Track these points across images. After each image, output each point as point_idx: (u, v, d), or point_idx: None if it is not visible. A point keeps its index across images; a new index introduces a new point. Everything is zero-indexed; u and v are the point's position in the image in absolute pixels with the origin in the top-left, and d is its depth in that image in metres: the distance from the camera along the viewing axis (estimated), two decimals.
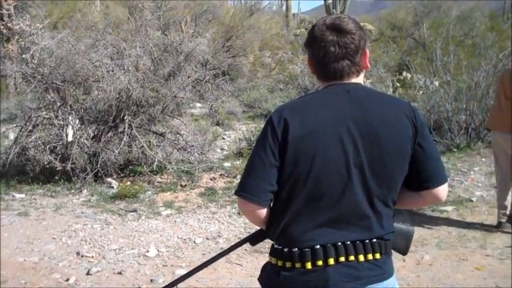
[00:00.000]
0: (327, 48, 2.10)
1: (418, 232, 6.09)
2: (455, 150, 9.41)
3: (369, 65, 2.21)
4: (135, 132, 8.28)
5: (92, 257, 5.66)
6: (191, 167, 8.43)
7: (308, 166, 2.01)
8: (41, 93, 8.72)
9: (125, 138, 8.19)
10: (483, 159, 8.96)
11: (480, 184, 7.86)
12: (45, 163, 8.16)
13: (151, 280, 5.12)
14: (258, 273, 2.25)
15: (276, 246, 2.15)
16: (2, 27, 16.96)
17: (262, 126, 2.14)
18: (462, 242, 5.90)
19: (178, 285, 2.57)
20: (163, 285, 4.90)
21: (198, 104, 14.82)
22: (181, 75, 9.04)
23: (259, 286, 2.23)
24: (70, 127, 8.24)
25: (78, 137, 8.10)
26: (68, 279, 5.12)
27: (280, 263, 2.10)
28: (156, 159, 8.18)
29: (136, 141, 8.40)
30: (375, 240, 2.07)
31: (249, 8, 26.79)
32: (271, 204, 2.15)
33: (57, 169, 8.08)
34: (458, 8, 27.16)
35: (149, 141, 8.54)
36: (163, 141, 8.56)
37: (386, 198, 2.09)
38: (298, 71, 17.14)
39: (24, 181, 8.32)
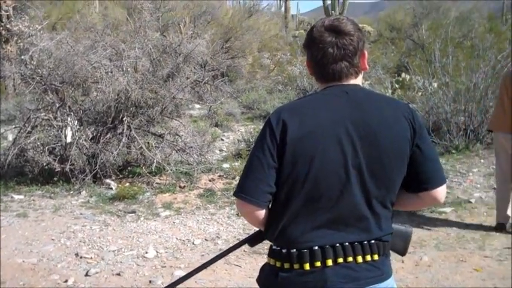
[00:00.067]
0: (326, 50, 2.11)
1: (417, 233, 6.10)
2: (454, 151, 9.42)
3: (367, 67, 2.21)
4: (134, 134, 8.28)
5: (91, 258, 5.66)
6: (190, 168, 8.43)
7: (306, 167, 2.02)
8: (39, 95, 8.72)
9: (123, 140, 8.19)
10: (482, 161, 8.97)
11: (479, 185, 7.86)
12: (44, 164, 8.16)
13: (150, 281, 5.12)
14: (256, 274, 2.25)
15: (274, 247, 2.15)
16: (1, 28, 16.94)
17: (261, 127, 2.15)
18: (461, 243, 5.91)
19: (178, 287, 2.56)
20: (162, 286, 4.92)
21: (197, 105, 14.82)
22: (180, 76, 9.05)
23: (258, 287, 2.23)
24: (69, 128, 8.24)
25: (77, 138, 8.09)
26: (66, 281, 5.12)
27: (278, 264, 2.11)
28: (154, 161, 8.18)
29: (135, 143, 8.40)
30: (373, 241, 2.07)
31: (247, 9, 26.80)
32: (270, 206, 2.15)
33: (56, 170, 8.07)
34: (457, 9, 27.25)
35: (148, 143, 8.54)
36: (162, 142, 8.56)
37: (384, 200, 2.10)
38: (297, 72, 17.15)
39: (23, 182, 8.31)
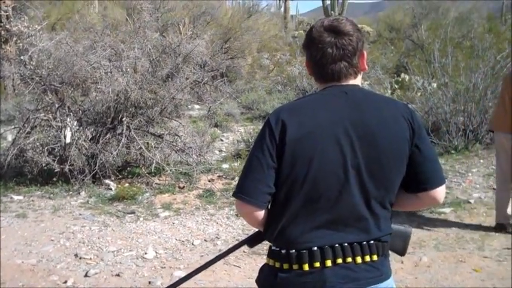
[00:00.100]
0: (325, 50, 2.11)
1: (416, 234, 6.10)
2: (453, 152, 9.43)
3: (366, 67, 2.21)
4: (133, 134, 8.28)
5: (90, 259, 5.66)
6: (189, 168, 8.43)
7: (305, 168, 2.02)
8: (39, 95, 8.72)
9: (123, 140, 8.19)
10: (481, 161, 8.97)
11: (478, 186, 7.86)
12: (43, 165, 8.16)
13: (150, 282, 5.11)
14: (256, 275, 2.25)
15: (273, 247, 2.15)
16: (0, 28, 16.93)
17: (261, 127, 2.15)
18: (460, 243, 5.91)
19: None
20: (162, 287, 4.92)
21: (196, 106, 14.82)
22: (179, 76, 9.05)
23: None
24: (68, 129, 8.23)
25: (76, 138, 8.09)
26: (66, 281, 5.12)
27: (277, 265, 2.11)
28: (154, 161, 8.18)
29: (135, 143, 8.40)
30: (372, 242, 2.07)
31: (247, 9, 26.80)
32: (269, 206, 2.15)
33: (55, 171, 8.08)
34: (456, 9, 27.26)
35: (147, 143, 8.53)
36: (161, 142, 8.55)
37: (383, 200, 2.10)
38: (297, 72, 17.13)
39: (22, 183, 8.31)
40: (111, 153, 8.17)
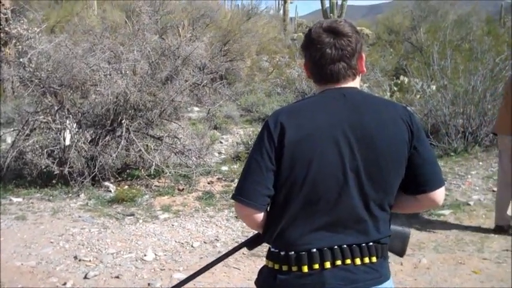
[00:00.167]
0: (324, 50, 2.11)
1: (416, 236, 6.11)
2: (452, 154, 9.44)
3: (365, 69, 2.22)
4: (133, 136, 8.28)
5: (90, 261, 5.66)
6: (189, 170, 8.43)
7: (304, 170, 2.02)
8: (38, 97, 8.72)
9: (122, 142, 8.19)
10: (480, 163, 8.98)
11: (477, 188, 7.87)
12: (43, 167, 8.16)
13: (149, 284, 5.11)
14: (255, 276, 2.25)
15: (272, 249, 2.15)
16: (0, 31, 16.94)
17: (260, 130, 2.15)
18: (459, 245, 5.91)
19: None
20: None
21: (196, 108, 14.82)
22: (178, 79, 9.05)
23: None
24: (67, 131, 8.23)
25: (76, 140, 8.09)
26: (65, 283, 5.12)
27: (276, 267, 2.11)
28: (153, 163, 8.19)
29: (134, 145, 8.40)
30: (371, 243, 2.08)
31: (246, 12, 26.78)
32: (268, 208, 2.16)
33: (55, 173, 8.07)
34: (455, 12, 27.25)
35: (147, 145, 8.54)
36: (160, 145, 8.55)
37: (382, 202, 2.10)
38: (296, 75, 17.15)
39: (22, 185, 8.31)
40: (111, 156, 8.17)
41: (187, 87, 9.33)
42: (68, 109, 8.42)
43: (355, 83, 2.19)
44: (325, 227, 2.06)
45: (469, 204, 7.20)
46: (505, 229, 6.15)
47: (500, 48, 10.70)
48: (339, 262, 2.04)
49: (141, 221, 6.97)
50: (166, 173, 8.27)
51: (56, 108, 8.40)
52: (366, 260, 2.06)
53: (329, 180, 2.03)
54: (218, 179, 8.65)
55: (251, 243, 2.36)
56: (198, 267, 2.52)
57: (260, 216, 2.13)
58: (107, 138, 8.36)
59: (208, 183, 8.34)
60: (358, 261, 2.05)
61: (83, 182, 8.03)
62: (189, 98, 10.21)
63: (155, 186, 8.28)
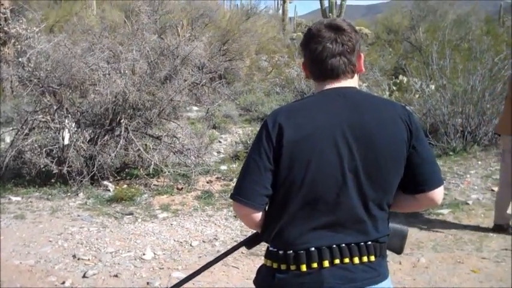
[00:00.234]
0: (325, 44, 2.12)
1: (414, 235, 6.12)
2: (451, 153, 9.45)
3: (363, 69, 2.22)
4: (132, 136, 8.28)
5: (88, 259, 5.65)
6: (187, 170, 8.43)
7: (303, 171, 2.02)
8: (37, 97, 8.71)
9: (121, 142, 8.19)
10: (479, 163, 8.99)
11: (476, 187, 7.88)
12: (42, 166, 8.15)
13: (148, 283, 5.11)
14: (254, 275, 2.25)
15: (271, 248, 2.15)
16: None
17: (258, 129, 2.15)
18: (458, 244, 5.92)
19: None
20: None
21: (195, 108, 14.82)
22: (177, 78, 9.05)
23: None
24: (66, 130, 8.23)
25: (75, 140, 8.09)
26: (64, 282, 5.12)
27: (275, 265, 2.11)
28: (152, 163, 8.18)
29: (133, 145, 8.39)
30: (370, 242, 2.08)
31: (245, 11, 26.80)
32: (267, 208, 2.16)
33: (54, 172, 8.07)
34: (454, 12, 27.27)
35: (146, 145, 8.54)
36: (159, 144, 8.56)
37: (381, 202, 2.10)
38: (295, 74, 17.16)
39: (21, 184, 8.31)
40: (109, 155, 8.17)
41: (186, 86, 9.33)
42: (66, 108, 8.42)
43: (354, 81, 2.19)
44: (324, 227, 2.05)
45: (467, 204, 7.20)
46: (504, 228, 6.15)
47: (499, 47, 10.72)
48: (337, 261, 2.03)
49: (140, 220, 6.97)
50: (165, 172, 8.27)
51: (55, 107, 8.40)
52: (365, 258, 2.06)
53: (328, 181, 2.03)
54: (217, 178, 8.65)
55: (250, 242, 2.36)
56: (197, 266, 2.52)
57: (258, 215, 2.14)
58: (105, 138, 8.36)
59: (207, 183, 8.34)
60: (356, 260, 2.05)
61: (81, 181, 8.03)
62: (188, 98, 10.23)
63: (154, 185, 8.28)
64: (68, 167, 7.90)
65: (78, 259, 5.66)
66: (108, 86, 8.08)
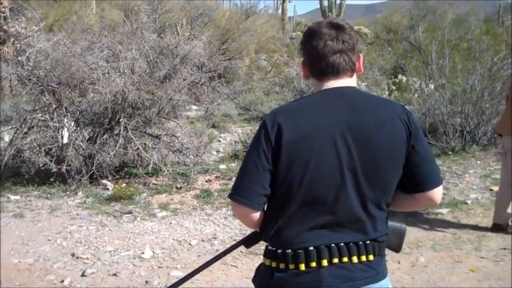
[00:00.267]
0: (326, 40, 2.12)
1: (413, 234, 6.12)
2: (450, 153, 9.45)
3: (362, 69, 2.22)
4: (131, 135, 8.28)
5: (87, 258, 5.66)
6: (187, 169, 8.43)
7: (302, 171, 2.01)
8: (36, 96, 8.71)
9: (120, 141, 8.18)
10: (478, 162, 9.00)
11: (475, 187, 7.88)
12: (41, 165, 8.15)
13: (147, 282, 5.12)
14: (253, 274, 2.25)
15: (270, 247, 2.15)
16: None
17: (257, 129, 2.15)
18: (457, 244, 5.92)
19: None
20: (159, 287, 4.93)
21: (194, 107, 14.82)
22: (177, 77, 9.06)
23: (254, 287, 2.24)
24: (65, 129, 8.23)
25: (74, 139, 8.09)
26: (62, 281, 5.12)
27: (274, 264, 2.10)
28: (151, 162, 8.18)
29: (132, 144, 8.39)
30: (368, 242, 2.07)
31: (245, 11, 26.81)
32: (266, 207, 2.16)
33: (53, 171, 8.07)
34: (453, 11, 27.30)
35: (145, 144, 8.53)
36: (158, 143, 8.56)
37: (380, 202, 2.10)
38: (294, 73, 17.16)
39: (20, 183, 8.30)
40: (108, 154, 8.16)
41: (186, 85, 9.34)
42: (66, 107, 8.42)
43: (353, 80, 2.19)
44: (322, 226, 2.05)
45: (466, 203, 7.21)
46: (502, 227, 6.16)
47: (499, 47, 10.71)
48: (336, 260, 2.03)
49: (138, 219, 6.97)
50: (164, 171, 8.27)
51: (54, 106, 8.39)
52: (363, 258, 2.06)
53: (326, 181, 2.03)
54: (216, 177, 8.65)
55: (248, 241, 2.36)
56: (196, 265, 2.53)
57: (256, 215, 2.14)
58: (104, 137, 8.36)
59: (206, 182, 8.35)
60: (355, 259, 2.05)
61: (80, 180, 8.02)
62: (187, 97, 10.23)
63: (153, 184, 8.28)
64: (67, 165, 7.90)
65: (77, 258, 5.66)
66: (107, 85, 8.08)
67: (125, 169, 8.84)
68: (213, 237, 6.34)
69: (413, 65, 11.95)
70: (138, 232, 6.48)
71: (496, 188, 7.36)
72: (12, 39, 16.35)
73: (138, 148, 8.30)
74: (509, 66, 9.83)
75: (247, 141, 9.76)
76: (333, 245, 2.04)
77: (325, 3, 28.63)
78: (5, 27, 16.61)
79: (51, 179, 8.26)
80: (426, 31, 15.52)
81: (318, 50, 2.14)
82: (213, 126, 13.19)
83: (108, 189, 8.07)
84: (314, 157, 2.01)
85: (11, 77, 9.27)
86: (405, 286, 4.92)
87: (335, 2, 28.90)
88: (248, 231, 2.35)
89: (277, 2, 41.40)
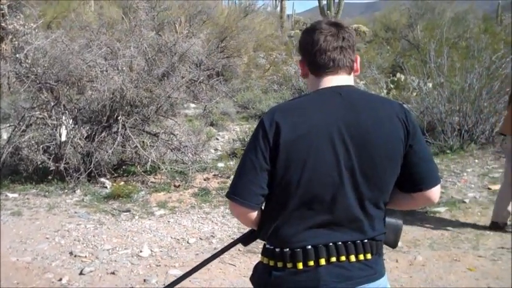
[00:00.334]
0: (326, 35, 2.13)
1: (411, 233, 6.13)
2: (448, 151, 9.45)
3: (359, 70, 2.22)
4: (129, 133, 8.27)
5: (85, 256, 5.66)
6: (185, 167, 8.43)
7: (299, 171, 2.01)
8: (34, 93, 8.69)
9: (118, 139, 8.18)
10: (476, 161, 9.00)
11: (473, 185, 7.89)
12: (39, 163, 8.14)
13: (145, 280, 5.12)
14: (251, 273, 2.25)
15: (267, 246, 2.15)
16: None
17: (255, 127, 2.14)
18: (455, 242, 5.93)
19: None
20: (157, 285, 4.93)
21: (192, 105, 14.81)
22: (175, 75, 9.04)
23: (252, 286, 2.24)
24: (63, 127, 8.22)
25: (72, 136, 8.08)
26: (60, 279, 5.12)
27: (271, 263, 2.11)
28: (149, 160, 8.18)
29: (130, 142, 8.39)
30: (366, 241, 2.08)
31: (243, 9, 26.74)
32: (263, 206, 2.16)
33: (51, 169, 8.06)
34: (452, 10, 27.29)
35: (143, 142, 8.53)
36: (157, 141, 8.55)
37: (377, 201, 2.10)
38: (292, 72, 17.15)
39: (18, 181, 8.30)
40: (107, 152, 8.16)
41: (184, 83, 9.32)
42: (64, 105, 8.41)
43: (351, 79, 2.19)
44: (320, 226, 2.05)
45: (464, 202, 7.21)
46: (500, 226, 6.16)
47: (497, 46, 10.70)
48: (333, 259, 2.03)
49: (137, 217, 6.97)
50: (162, 170, 8.27)
51: (52, 104, 8.38)
52: (361, 256, 2.06)
53: (324, 180, 2.02)
54: (214, 175, 8.65)
55: (246, 240, 2.36)
56: (194, 264, 2.52)
57: (254, 214, 2.14)
58: (103, 135, 8.35)
59: (205, 180, 8.35)
60: (352, 258, 2.05)
61: (78, 178, 8.02)
62: (186, 95, 10.22)
63: (151, 182, 8.28)
64: (65, 163, 7.89)
65: (75, 256, 5.66)
66: (105, 82, 8.07)
67: (123, 167, 8.84)
68: (211, 236, 6.34)
69: (411, 64, 11.95)
70: (136, 230, 6.48)
71: (493, 187, 7.38)
72: (10, 37, 16.30)
73: (136, 146, 8.30)
74: (507, 65, 9.82)
75: (246, 140, 9.75)
76: (330, 244, 2.04)
77: (324, 1, 28.59)
78: (3, 25, 16.56)
79: (49, 177, 8.25)
80: (425, 29, 15.52)
81: (319, 44, 2.13)
82: (211, 124, 13.18)
83: (106, 187, 8.06)
84: (312, 156, 2.01)
85: (9, 75, 9.24)
86: (403, 285, 4.93)
87: (334, 0, 28.85)
88: (246, 229, 2.35)
89: (275, 0, 41.38)
